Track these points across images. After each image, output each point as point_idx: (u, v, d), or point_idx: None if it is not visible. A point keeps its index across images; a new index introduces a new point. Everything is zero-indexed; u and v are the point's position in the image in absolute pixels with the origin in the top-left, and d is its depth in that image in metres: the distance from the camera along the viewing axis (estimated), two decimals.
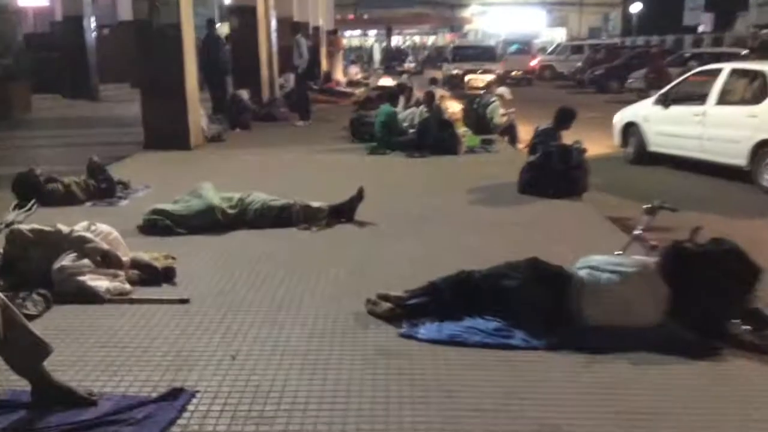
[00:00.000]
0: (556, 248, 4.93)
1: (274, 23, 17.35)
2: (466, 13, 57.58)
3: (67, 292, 3.93)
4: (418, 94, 12.57)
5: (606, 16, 52.97)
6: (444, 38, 56.00)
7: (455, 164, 8.85)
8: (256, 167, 8.67)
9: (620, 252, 4.44)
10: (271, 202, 5.66)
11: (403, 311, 3.65)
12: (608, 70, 24.83)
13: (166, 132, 9.63)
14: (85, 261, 4.08)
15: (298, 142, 10.76)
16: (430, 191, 7.14)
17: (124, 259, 4.23)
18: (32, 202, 6.19)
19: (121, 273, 4.13)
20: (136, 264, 4.26)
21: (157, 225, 5.35)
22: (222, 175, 8.02)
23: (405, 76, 17.49)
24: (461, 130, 10.05)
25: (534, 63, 31.42)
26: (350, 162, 9.01)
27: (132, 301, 3.94)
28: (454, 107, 13.85)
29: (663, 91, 10.34)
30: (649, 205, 4.49)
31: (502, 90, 11.69)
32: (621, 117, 10.93)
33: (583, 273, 3.60)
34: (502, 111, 11.34)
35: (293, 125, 12.86)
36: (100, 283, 3.99)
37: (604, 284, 3.51)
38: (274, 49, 17.20)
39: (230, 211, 5.52)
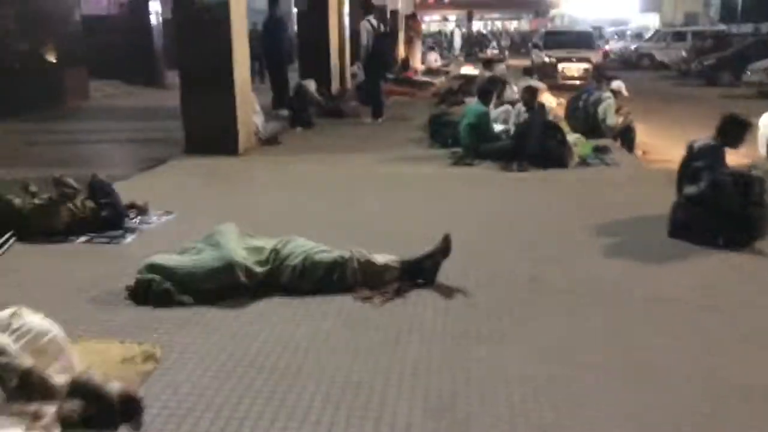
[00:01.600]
0: None
1: (347, 5, 15.65)
2: None
3: None
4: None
5: (707, 0, 48.85)
6: (529, 23, 53.23)
7: (567, 182, 6.85)
8: (309, 183, 6.91)
9: None
10: (318, 255, 3.88)
11: None
12: (720, 61, 22.02)
13: (210, 133, 7.99)
14: None
15: (366, 146, 8.99)
16: (541, 230, 5.19)
17: (60, 379, 2.55)
18: (9, 236, 4.66)
19: (50, 408, 2.45)
20: (78, 387, 2.56)
21: (152, 288, 3.67)
22: (264, 195, 6.39)
23: (502, 66, 15.20)
24: (572, 136, 8.01)
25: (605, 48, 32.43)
26: (429, 177, 7.13)
27: None
28: (550, 101, 11.80)
29: None
30: None
31: (618, 84, 9.52)
32: None
33: None
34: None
35: (363, 123, 11.09)
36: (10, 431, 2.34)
37: None
38: (347, 33, 15.51)
39: (258, 270, 3.77)
